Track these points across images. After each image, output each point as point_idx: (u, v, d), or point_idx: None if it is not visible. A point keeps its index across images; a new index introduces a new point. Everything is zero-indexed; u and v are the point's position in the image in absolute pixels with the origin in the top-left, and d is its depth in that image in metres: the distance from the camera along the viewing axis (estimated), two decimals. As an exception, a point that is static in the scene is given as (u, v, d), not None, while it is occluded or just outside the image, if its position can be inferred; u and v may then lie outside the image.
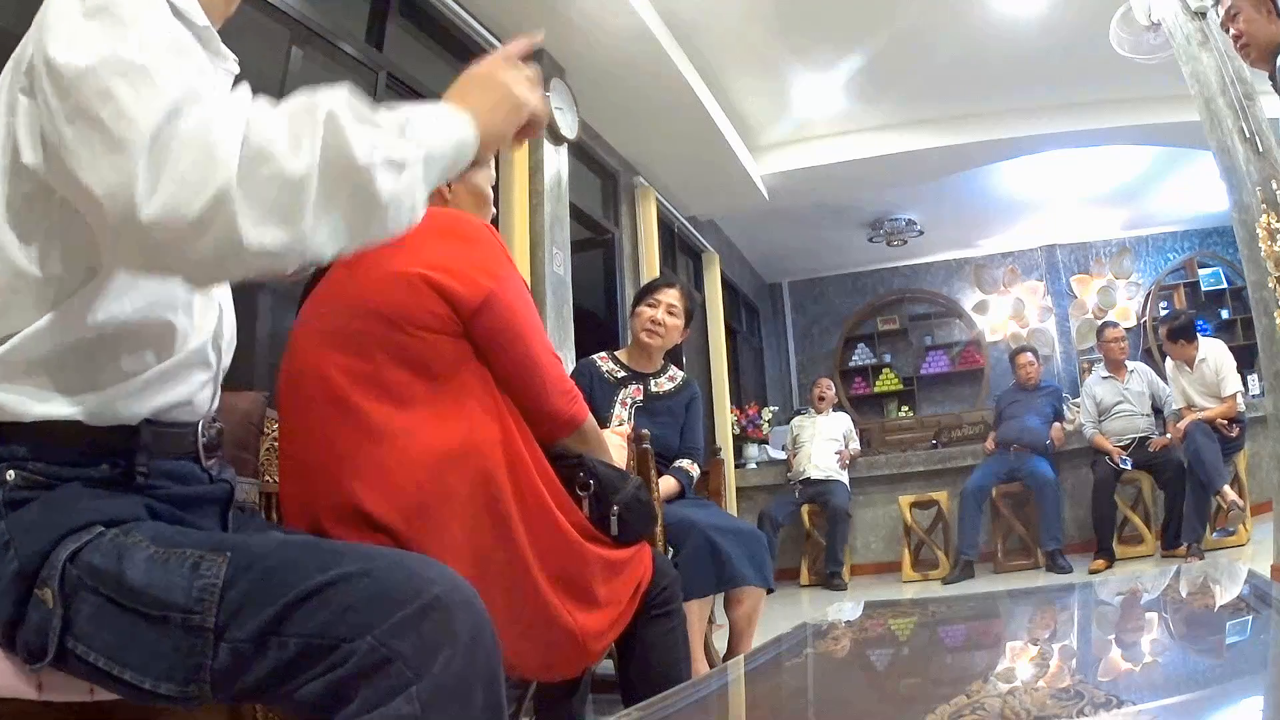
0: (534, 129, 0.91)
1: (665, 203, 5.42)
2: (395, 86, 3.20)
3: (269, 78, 2.59)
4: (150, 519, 0.83)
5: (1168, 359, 4.74)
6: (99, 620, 0.75)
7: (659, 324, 2.50)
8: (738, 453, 6.14)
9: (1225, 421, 4.32)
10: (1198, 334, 4.57)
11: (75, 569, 0.76)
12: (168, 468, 0.87)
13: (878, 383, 8.55)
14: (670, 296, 2.54)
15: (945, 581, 4.80)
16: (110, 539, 0.78)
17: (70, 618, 0.75)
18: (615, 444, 1.51)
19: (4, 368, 0.77)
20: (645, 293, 2.59)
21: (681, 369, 2.70)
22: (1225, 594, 1.45)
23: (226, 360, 0.96)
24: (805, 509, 5.35)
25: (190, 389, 0.88)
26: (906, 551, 5.22)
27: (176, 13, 0.79)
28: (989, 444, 5.16)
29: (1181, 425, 4.33)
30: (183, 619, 0.74)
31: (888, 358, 8.63)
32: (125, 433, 0.82)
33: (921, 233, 7.77)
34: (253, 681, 0.73)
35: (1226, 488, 4.14)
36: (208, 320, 0.90)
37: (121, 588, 0.75)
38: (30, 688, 0.78)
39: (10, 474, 0.77)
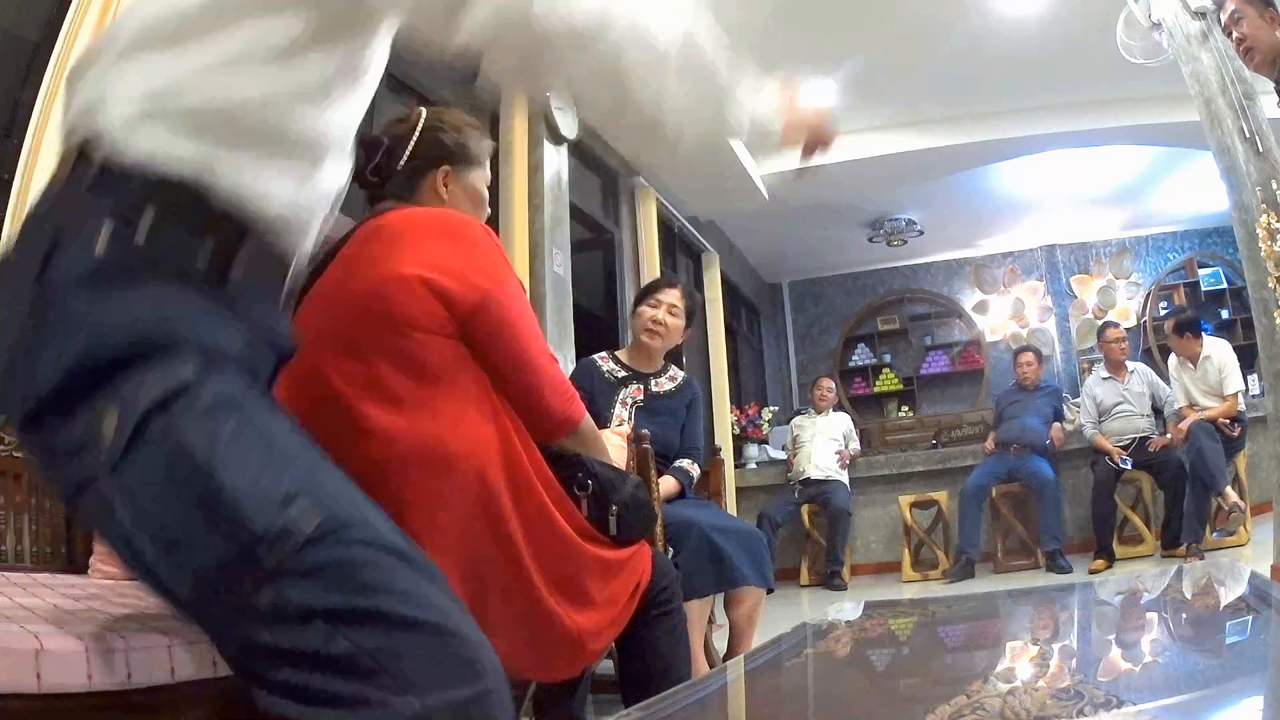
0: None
1: (665, 203, 5.42)
2: (395, 86, 3.20)
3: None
4: (242, 368, 0.76)
5: (1171, 356, 4.73)
6: (156, 486, 0.69)
7: (660, 323, 2.50)
8: (738, 453, 6.14)
9: (1227, 421, 4.31)
10: (1202, 331, 4.57)
11: (161, 423, 0.69)
12: (257, 295, 0.81)
13: (878, 383, 8.55)
14: (671, 296, 2.54)
15: (946, 574, 4.80)
16: (206, 407, 0.70)
17: (125, 465, 0.68)
18: (615, 444, 1.51)
19: (167, 101, 0.72)
20: (646, 292, 2.59)
21: (682, 369, 2.70)
22: (1225, 594, 1.44)
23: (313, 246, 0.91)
24: (805, 509, 5.35)
25: (304, 222, 0.83)
26: (906, 551, 5.22)
27: None
28: (989, 444, 5.16)
29: (1184, 425, 4.31)
30: (249, 540, 0.67)
31: (888, 358, 8.63)
32: (235, 230, 0.76)
33: (921, 233, 7.77)
34: (262, 643, 0.68)
35: (1229, 489, 4.13)
36: (337, 182, 0.87)
37: (201, 474, 0.68)
38: (30, 679, 0.78)
39: (109, 226, 0.71)
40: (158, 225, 0.72)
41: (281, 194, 0.78)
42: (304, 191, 0.80)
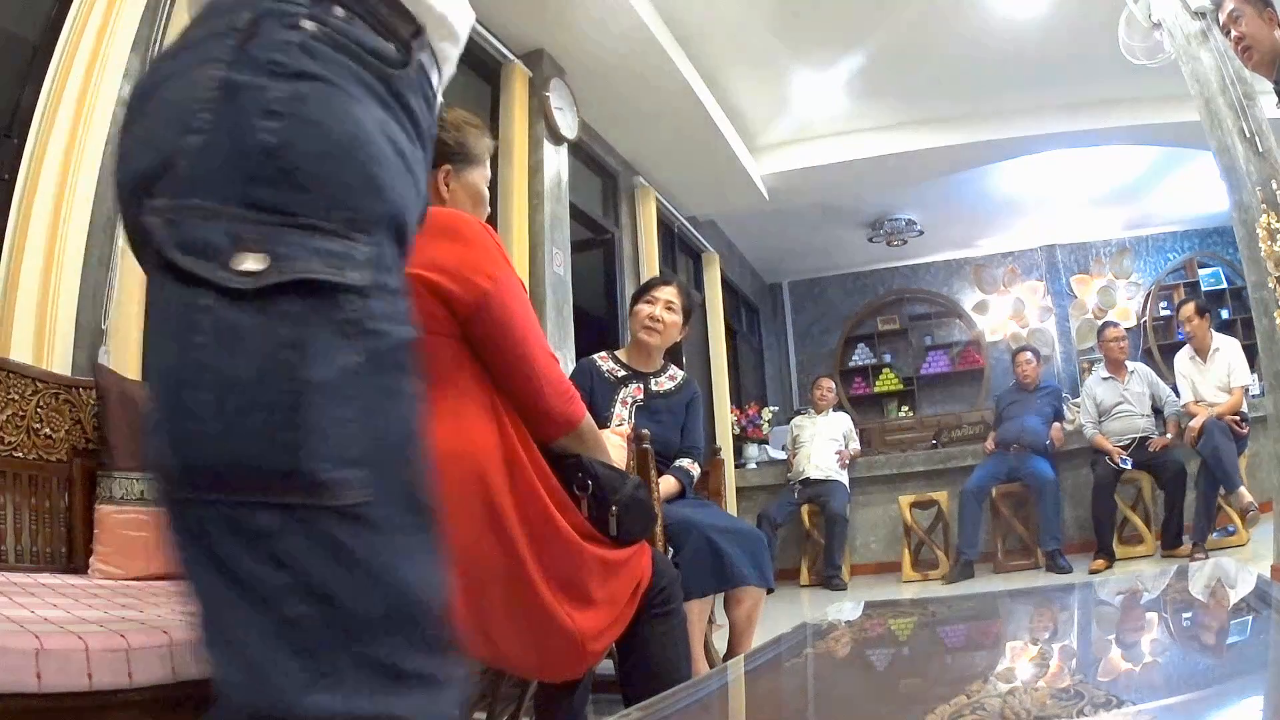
0: None
1: (665, 203, 5.42)
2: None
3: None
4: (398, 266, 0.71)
5: (1179, 353, 4.69)
6: (254, 354, 0.61)
7: (658, 320, 2.50)
8: (738, 453, 6.14)
9: (1237, 419, 4.30)
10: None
11: (296, 303, 0.62)
12: (423, 104, 0.77)
13: (878, 383, 8.55)
14: (668, 293, 2.54)
15: (946, 580, 4.80)
16: (348, 322, 0.65)
17: (236, 306, 0.61)
18: (615, 444, 1.51)
19: None
20: (643, 290, 2.59)
21: (681, 369, 2.70)
22: (1225, 594, 1.44)
23: None
24: (805, 509, 5.35)
25: (456, 35, 0.81)
26: (906, 551, 5.22)
27: None
28: (989, 444, 5.16)
29: (1196, 423, 4.27)
30: (291, 466, 0.61)
31: (888, 358, 8.63)
32: (410, 26, 0.75)
33: (921, 233, 7.77)
34: (217, 551, 0.61)
35: (1243, 489, 4.11)
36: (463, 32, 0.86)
37: (300, 381, 0.62)
38: (30, 679, 0.78)
39: (309, 24, 0.67)
40: (350, 17, 0.70)
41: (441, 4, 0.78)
42: (454, 9, 0.80)
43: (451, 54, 0.83)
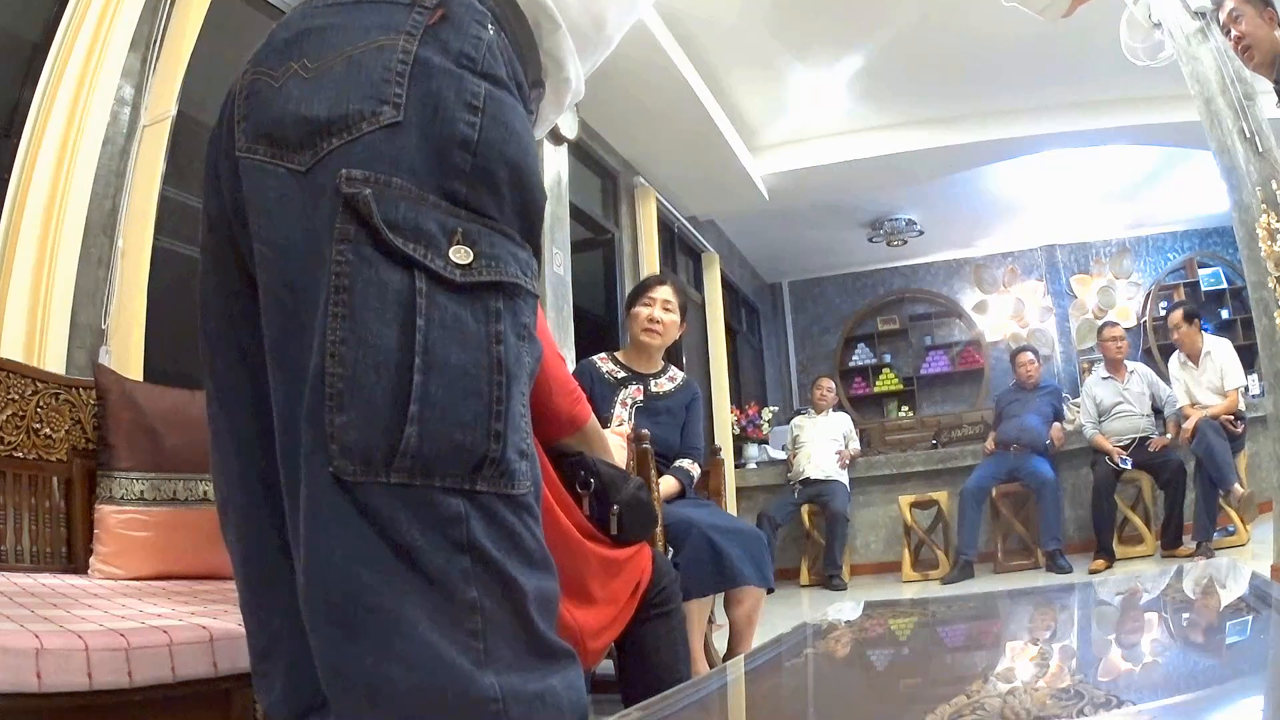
0: None
1: (665, 203, 5.42)
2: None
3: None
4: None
5: (1172, 356, 4.72)
6: (466, 340, 0.64)
7: (657, 321, 2.50)
8: (738, 453, 6.14)
9: (1231, 418, 4.31)
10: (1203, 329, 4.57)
11: (496, 299, 0.66)
12: None
13: (878, 383, 8.55)
14: (664, 293, 2.54)
15: (945, 581, 4.80)
16: (522, 325, 0.69)
17: (452, 295, 0.64)
18: (615, 444, 1.51)
19: None
20: (639, 292, 2.59)
21: (681, 369, 2.70)
22: (1225, 594, 1.44)
23: None
24: (805, 509, 5.35)
25: (573, 91, 0.85)
26: (906, 551, 5.22)
27: None
28: (989, 444, 5.16)
29: (1190, 423, 4.29)
30: (489, 453, 0.64)
31: (888, 358, 8.64)
32: (534, 74, 0.78)
33: (921, 233, 7.77)
34: (398, 536, 0.62)
35: (1236, 485, 4.12)
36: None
37: (500, 369, 0.66)
38: (30, 679, 0.78)
39: (492, 29, 0.70)
40: (502, 41, 0.72)
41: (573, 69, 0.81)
42: (577, 86, 0.84)
43: (546, 122, 0.86)
